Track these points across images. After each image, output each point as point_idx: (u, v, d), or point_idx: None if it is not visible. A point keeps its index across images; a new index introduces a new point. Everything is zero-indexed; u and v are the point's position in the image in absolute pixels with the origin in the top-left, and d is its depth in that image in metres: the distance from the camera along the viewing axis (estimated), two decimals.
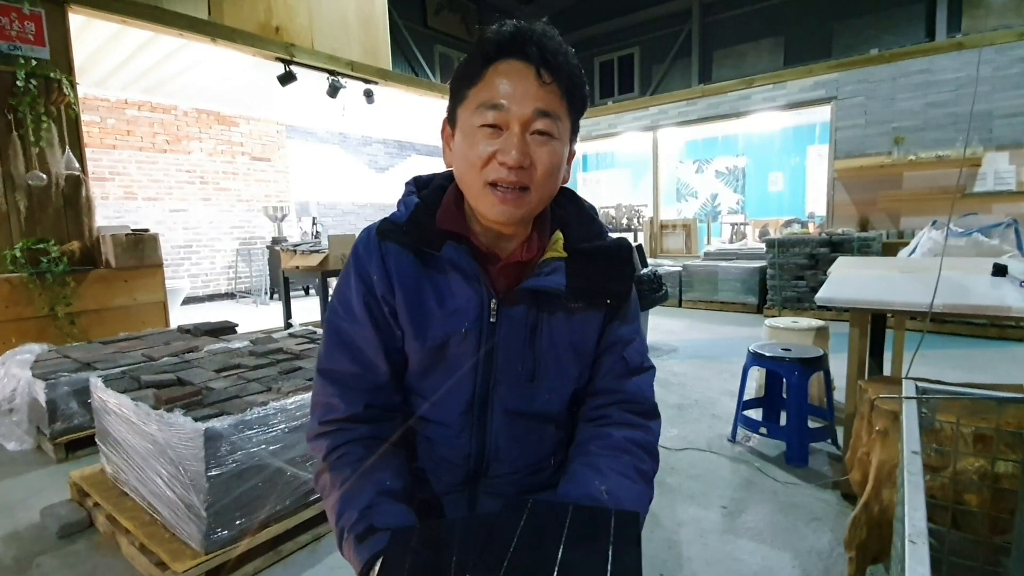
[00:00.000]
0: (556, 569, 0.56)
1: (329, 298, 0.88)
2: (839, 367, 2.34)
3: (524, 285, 0.77)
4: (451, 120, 0.78)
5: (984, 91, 5.21)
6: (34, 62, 3.42)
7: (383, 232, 0.79)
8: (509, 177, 0.71)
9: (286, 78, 5.11)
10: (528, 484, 0.86)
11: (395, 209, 0.83)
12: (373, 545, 0.70)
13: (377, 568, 0.65)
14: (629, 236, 7.81)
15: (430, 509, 0.86)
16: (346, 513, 0.73)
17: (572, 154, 0.80)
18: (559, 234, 0.82)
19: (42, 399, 2.47)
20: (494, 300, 0.78)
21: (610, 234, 0.87)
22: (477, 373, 0.80)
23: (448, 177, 0.84)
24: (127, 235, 3.74)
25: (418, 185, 0.86)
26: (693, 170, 9.18)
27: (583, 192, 10.07)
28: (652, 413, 0.86)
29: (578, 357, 0.83)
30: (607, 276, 0.82)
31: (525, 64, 0.71)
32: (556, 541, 0.60)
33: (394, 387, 0.83)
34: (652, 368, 0.89)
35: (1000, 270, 2.06)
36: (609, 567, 0.56)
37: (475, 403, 0.81)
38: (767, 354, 2.41)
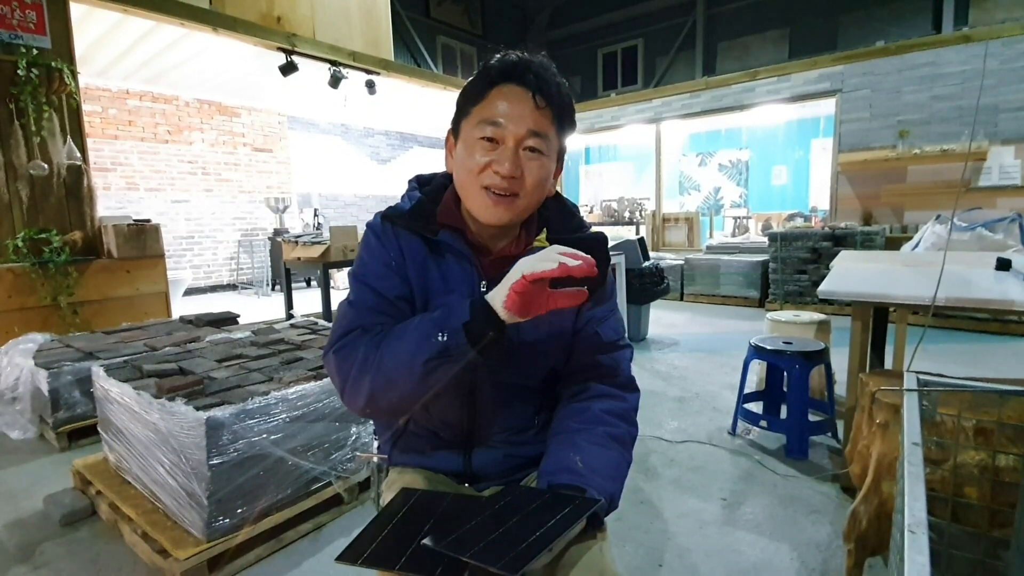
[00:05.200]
0: (500, 529, 0.64)
1: (347, 275, 0.96)
2: (840, 361, 2.34)
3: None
4: (455, 132, 0.88)
5: (990, 85, 5.17)
6: (35, 51, 3.41)
7: (388, 218, 0.89)
8: (501, 184, 0.80)
9: (288, 68, 5.08)
10: (516, 441, 0.94)
11: (398, 201, 0.91)
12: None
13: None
14: (631, 229, 7.79)
15: (431, 467, 0.95)
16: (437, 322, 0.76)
17: (559, 169, 0.90)
18: (545, 230, 0.91)
19: (45, 388, 2.48)
20: (484, 281, 0.86)
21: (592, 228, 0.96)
22: None
23: (448, 177, 0.93)
24: (129, 225, 3.74)
25: (420, 182, 0.95)
26: (696, 163, 9.14)
27: (586, 184, 10.08)
28: (629, 386, 0.94)
29: (557, 338, 0.91)
30: None
31: (523, 89, 0.81)
32: (518, 513, 0.69)
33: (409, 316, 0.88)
34: (628, 347, 0.96)
35: (1004, 264, 2.05)
36: (543, 528, 0.64)
37: (466, 374, 0.85)
38: (768, 347, 2.41)
